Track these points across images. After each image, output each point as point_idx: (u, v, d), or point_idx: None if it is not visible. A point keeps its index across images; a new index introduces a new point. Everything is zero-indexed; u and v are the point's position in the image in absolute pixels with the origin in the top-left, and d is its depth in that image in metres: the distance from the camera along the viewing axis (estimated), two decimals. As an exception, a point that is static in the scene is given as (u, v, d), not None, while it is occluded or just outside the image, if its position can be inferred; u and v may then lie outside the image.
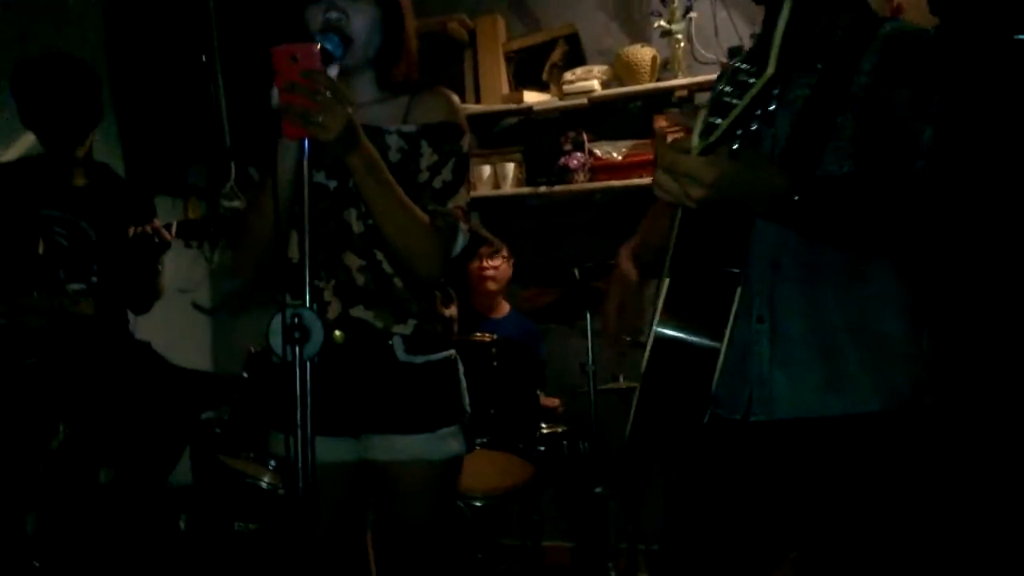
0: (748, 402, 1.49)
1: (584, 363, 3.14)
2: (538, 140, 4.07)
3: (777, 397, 1.45)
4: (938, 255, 1.46)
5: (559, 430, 3.17)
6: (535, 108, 3.99)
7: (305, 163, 1.48)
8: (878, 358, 1.41)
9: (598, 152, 3.82)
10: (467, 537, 2.92)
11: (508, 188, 4.02)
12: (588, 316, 3.13)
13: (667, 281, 1.42)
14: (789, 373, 1.45)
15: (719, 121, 1.19)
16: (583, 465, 3.15)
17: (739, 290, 1.38)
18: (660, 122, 3.67)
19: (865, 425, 1.40)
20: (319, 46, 1.47)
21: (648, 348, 1.40)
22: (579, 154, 3.85)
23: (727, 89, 1.18)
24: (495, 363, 3.02)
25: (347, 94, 1.52)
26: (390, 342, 1.74)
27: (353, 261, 1.74)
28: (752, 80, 1.13)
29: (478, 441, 2.96)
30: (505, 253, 3.75)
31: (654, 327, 1.39)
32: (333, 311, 1.73)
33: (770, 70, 1.11)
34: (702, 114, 1.23)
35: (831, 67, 1.39)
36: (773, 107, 1.20)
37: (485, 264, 3.71)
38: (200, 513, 3.14)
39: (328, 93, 1.47)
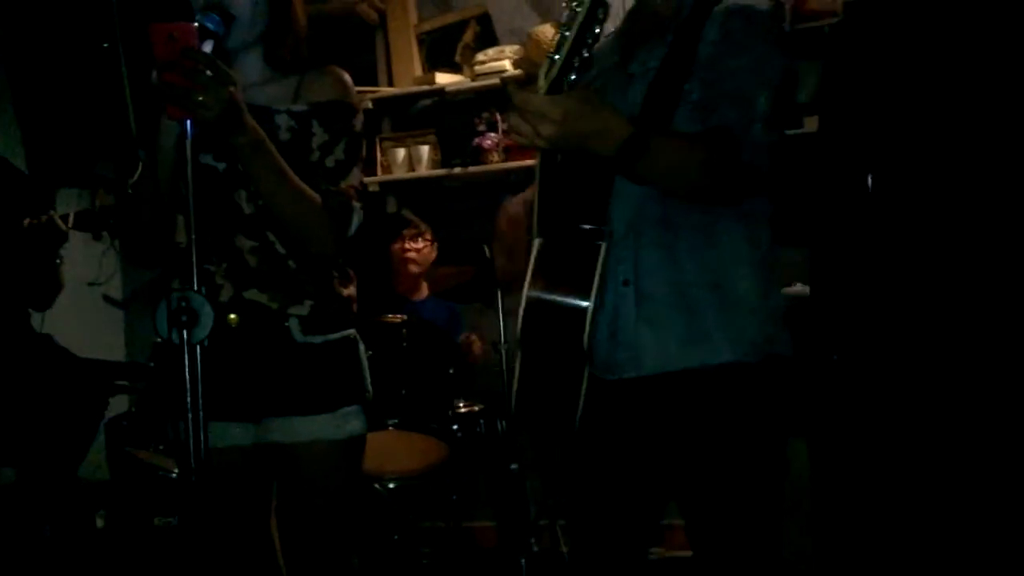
0: (621, 364, 1.57)
1: (496, 341, 3.17)
2: (452, 121, 4.06)
3: (643, 354, 1.54)
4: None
5: (475, 409, 3.17)
6: (448, 89, 3.98)
7: (188, 144, 1.46)
8: (731, 314, 1.52)
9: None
10: (383, 519, 2.92)
11: (423, 170, 4.03)
12: (499, 294, 3.15)
13: (537, 242, 1.47)
14: (653, 331, 1.53)
15: (557, 57, 1.27)
16: (500, 443, 3.18)
17: (603, 246, 1.45)
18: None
19: (719, 375, 1.51)
20: (197, 24, 1.46)
21: (521, 311, 1.45)
22: (493, 134, 3.85)
23: (562, 25, 1.27)
24: (405, 344, 3.01)
25: (229, 73, 1.50)
26: (286, 323, 1.73)
27: (244, 243, 1.72)
28: (577, 8, 1.25)
29: (391, 422, 2.95)
30: (428, 236, 3.75)
31: (524, 290, 1.45)
32: (226, 294, 1.72)
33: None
34: (547, 56, 1.29)
35: (679, 39, 1.49)
36: (598, 30, 1.28)
37: (407, 246, 3.71)
38: (118, 509, 3.09)
39: (208, 72, 1.46)
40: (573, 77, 1.29)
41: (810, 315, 2.56)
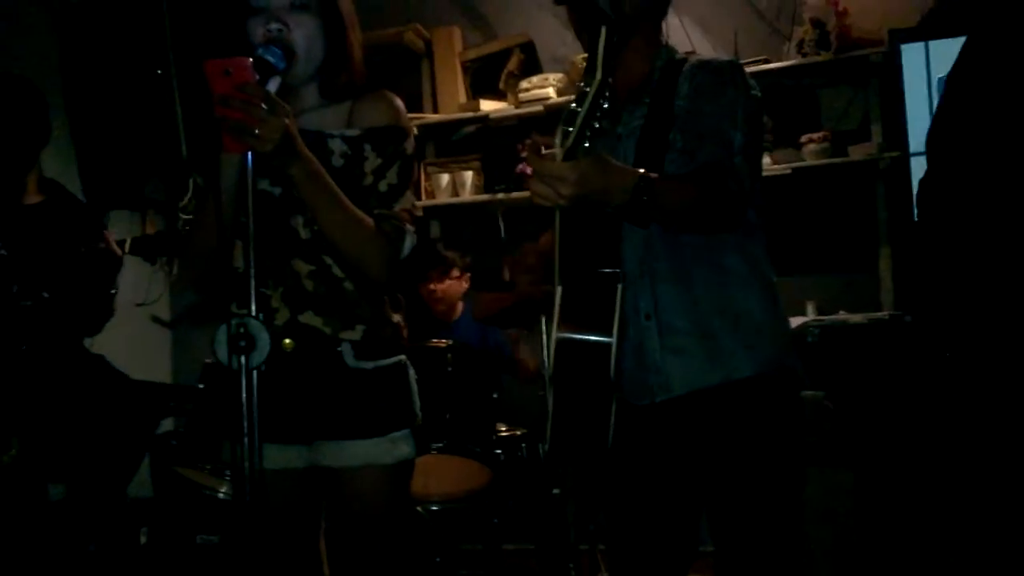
0: (652, 389, 1.72)
1: (540, 365, 3.16)
2: (495, 148, 4.11)
3: (672, 378, 1.70)
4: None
5: (517, 433, 3.19)
6: (492, 116, 4.02)
7: (249, 174, 1.48)
8: (745, 334, 1.68)
9: (552, 159, 3.89)
10: (426, 541, 2.93)
11: (467, 195, 4.07)
12: (543, 320, 3.16)
13: (559, 289, 1.62)
14: (678, 357, 1.70)
15: (571, 129, 1.44)
16: (541, 468, 3.19)
17: (619, 287, 1.59)
18: (534, 137, 3.77)
19: (742, 387, 1.67)
20: (251, 59, 1.48)
21: (552, 352, 1.60)
22: None
23: (573, 103, 1.44)
24: (450, 368, 3.04)
25: (284, 106, 1.53)
26: (339, 348, 1.75)
27: (301, 267, 1.74)
28: (587, 89, 1.42)
29: (435, 446, 2.98)
30: (457, 272, 3.77)
31: (554, 333, 1.59)
32: (282, 318, 1.73)
33: (598, 76, 1.42)
34: (560, 127, 1.45)
35: (656, 98, 1.68)
36: (607, 106, 1.44)
37: (433, 287, 3.75)
38: (161, 526, 3.12)
39: (263, 106, 1.48)
40: (587, 145, 1.44)
41: (920, 312, 2.77)
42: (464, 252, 3.90)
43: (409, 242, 1.75)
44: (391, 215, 1.74)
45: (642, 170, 1.49)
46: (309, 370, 1.74)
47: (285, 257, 1.75)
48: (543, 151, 1.48)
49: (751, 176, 1.64)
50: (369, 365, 1.77)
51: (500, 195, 3.91)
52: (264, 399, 1.46)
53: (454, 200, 4.09)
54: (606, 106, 1.45)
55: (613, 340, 1.57)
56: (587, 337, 1.59)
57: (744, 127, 1.64)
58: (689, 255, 1.70)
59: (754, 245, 1.74)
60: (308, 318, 1.74)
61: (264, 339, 1.44)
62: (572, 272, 1.64)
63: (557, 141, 1.45)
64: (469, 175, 4.07)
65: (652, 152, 1.65)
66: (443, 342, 3.11)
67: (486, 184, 4.04)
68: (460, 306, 3.85)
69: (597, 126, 1.44)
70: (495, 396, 3.20)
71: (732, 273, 1.70)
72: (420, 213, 1.80)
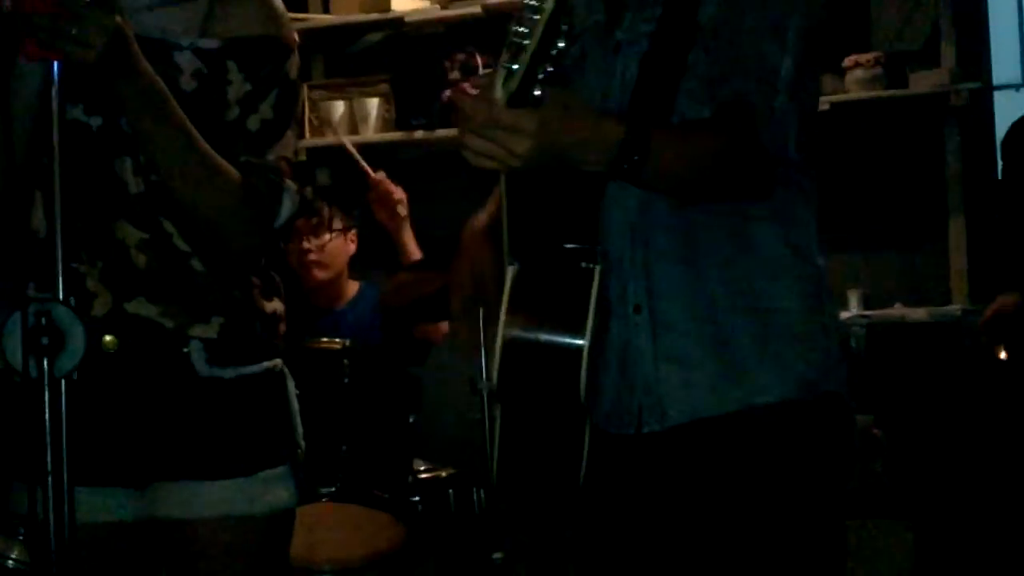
0: (639, 412, 1.68)
1: (474, 378, 3.04)
2: (413, 65, 4.08)
3: (667, 399, 1.66)
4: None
5: (443, 474, 3.18)
6: (408, 20, 3.99)
7: (55, 95, 1.47)
8: (773, 341, 1.65)
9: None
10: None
11: (371, 134, 4.05)
12: (481, 311, 3.16)
13: (510, 269, 1.60)
14: (677, 369, 1.66)
15: (515, 66, 1.39)
16: (477, 522, 3.20)
17: (596, 269, 1.57)
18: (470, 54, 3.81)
19: (763, 419, 1.63)
20: None
21: (498, 356, 1.57)
22: (469, 85, 3.83)
23: (518, 29, 1.39)
24: (347, 379, 3.01)
25: None
26: (186, 349, 1.74)
27: (130, 234, 1.73)
28: (536, 16, 1.36)
29: (325, 491, 2.92)
30: (339, 223, 3.74)
31: (500, 328, 1.57)
32: (101, 306, 1.72)
33: (549, 3, 1.36)
34: (501, 61, 1.41)
35: None
36: (563, 44, 1.41)
37: (305, 245, 3.69)
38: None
39: None
40: (538, 92, 1.41)
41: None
42: (348, 209, 3.85)
43: (288, 204, 1.75)
44: (264, 165, 1.74)
45: (629, 123, 1.47)
46: (141, 380, 1.73)
47: (107, 219, 1.73)
48: (482, 83, 1.48)
49: (799, 124, 1.60)
50: (229, 373, 1.77)
51: (419, 133, 3.93)
52: (77, 422, 1.44)
53: (353, 140, 4.02)
54: (561, 44, 1.42)
55: (585, 342, 1.55)
56: (548, 337, 1.57)
57: (796, 51, 1.58)
58: (702, 224, 1.65)
59: (799, 218, 1.69)
60: (139, 306, 1.73)
61: (77, 336, 1.43)
62: (528, 246, 1.62)
63: (498, 79, 1.42)
64: (374, 104, 4.04)
65: (662, 76, 1.60)
66: (337, 342, 3.08)
67: (399, 117, 4.02)
68: (351, 285, 3.81)
69: (551, 70, 1.42)
70: (411, 420, 3.17)
71: (763, 254, 1.66)
72: (303, 157, 1.80)
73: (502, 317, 1.59)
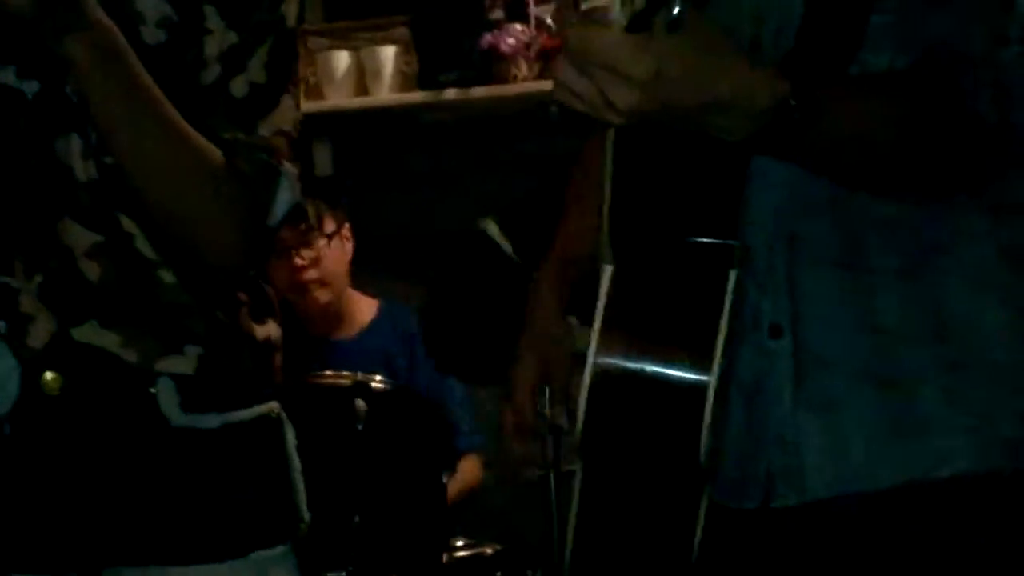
0: (767, 479, 1.55)
1: (536, 421, 3.08)
2: (439, 4, 3.98)
3: (810, 464, 1.52)
4: None
5: (488, 551, 3.14)
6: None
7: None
8: (970, 383, 1.49)
9: (551, 22, 3.79)
10: None
11: (384, 94, 4.01)
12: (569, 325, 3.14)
13: (608, 270, 1.48)
14: (827, 421, 1.51)
15: None
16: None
17: (732, 274, 1.43)
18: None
19: (950, 496, 1.48)
20: None
21: (584, 392, 1.45)
22: (517, 27, 3.85)
23: None
24: (361, 426, 2.91)
25: None
26: (153, 390, 1.66)
27: (78, 236, 1.65)
28: None
29: (332, 575, 2.88)
30: (330, 222, 3.57)
31: (591, 356, 1.45)
32: (41, 333, 1.64)
33: None
34: None
35: None
36: None
37: (297, 261, 3.55)
38: None
39: None
40: (677, 11, 1.27)
41: None
42: (333, 198, 3.66)
43: (287, 191, 1.68)
44: (254, 143, 1.66)
45: (792, 73, 1.33)
46: (94, 432, 1.66)
47: (47, 216, 1.65)
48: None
49: None
50: (210, 422, 1.69)
51: (449, 93, 3.76)
52: (8, 489, 1.47)
53: (360, 103, 4.02)
54: None
55: (711, 379, 1.42)
56: (657, 369, 1.44)
57: None
58: (875, 217, 1.50)
59: (1020, 213, 1.52)
60: (91, 333, 1.65)
61: (6, 373, 1.46)
62: (634, 240, 1.49)
63: None
64: (389, 55, 3.98)
65: (840, 7, 1.45)
66: (346, 376, 2.92)
67: (422, 72, 3.92)
68: (362, 303, 3.68)
69: None
70: (446, 480, 3.11)
71: (963, 262, 1.51)
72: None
73: (593, 338, 1.47)
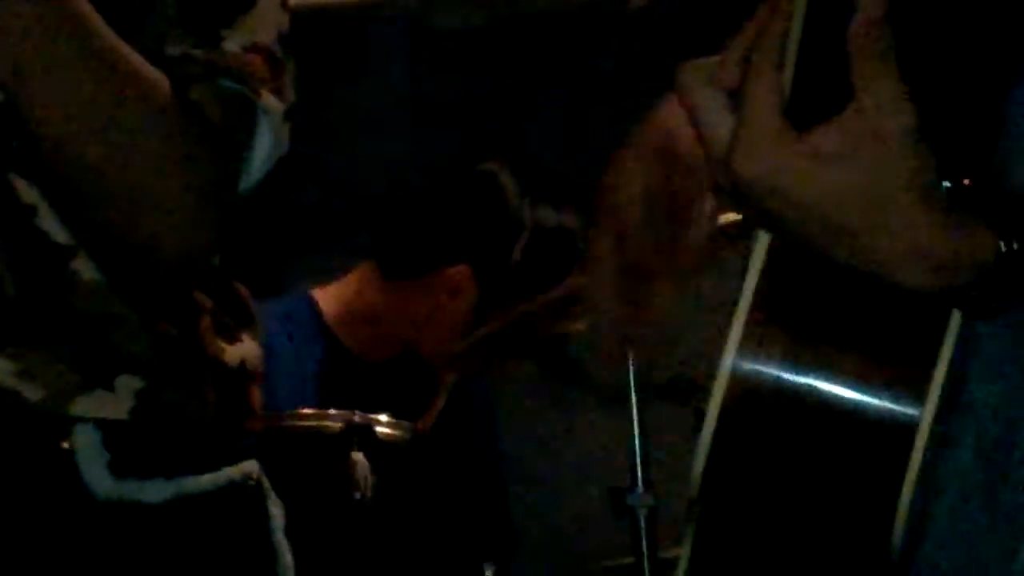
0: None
1: (623, 483, 2.71)
2: None
3: None
4: None
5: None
6: None
7: None
8: None
9: None
10: None
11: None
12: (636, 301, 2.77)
13: (764, 238, 1.23)
14: None
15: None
16: None
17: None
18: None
19: None
20: None
21: (714, 414, 1.22)
22: None
23: None
24: (359, 495, 2.49)
25: None
26: (67, 444, 1.48)
27: None
28: None
29: None
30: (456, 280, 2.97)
31: (728, 357, 1.23)
32: None
33: None
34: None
35: None
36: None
37: (459, 302, 3.02)
38: None
39: None
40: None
41: None
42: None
43: (269, 135, 1.48)
44: (214, 62, 1.48)
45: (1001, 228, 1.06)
46: None
47: None
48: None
49: None
50: (156, 493, 1.48)
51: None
52: None
53: None
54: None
55: (925, 419, 1.16)
56: (838, 392, 1.20)
57: None
58: None
59: None
60: None
61: None
62: None
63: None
64: None
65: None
66: (336, 417, 2.47)
67: None
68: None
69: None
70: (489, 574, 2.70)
71: None
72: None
73: (735, 331, 1.21)
